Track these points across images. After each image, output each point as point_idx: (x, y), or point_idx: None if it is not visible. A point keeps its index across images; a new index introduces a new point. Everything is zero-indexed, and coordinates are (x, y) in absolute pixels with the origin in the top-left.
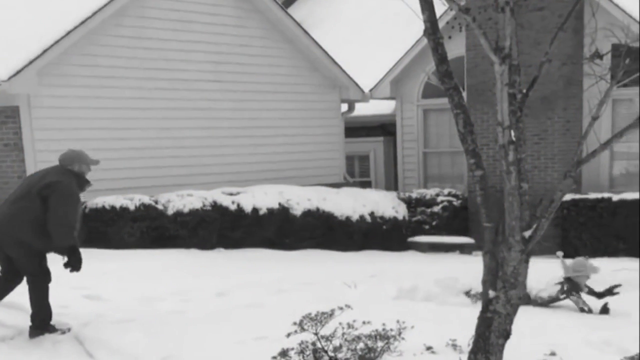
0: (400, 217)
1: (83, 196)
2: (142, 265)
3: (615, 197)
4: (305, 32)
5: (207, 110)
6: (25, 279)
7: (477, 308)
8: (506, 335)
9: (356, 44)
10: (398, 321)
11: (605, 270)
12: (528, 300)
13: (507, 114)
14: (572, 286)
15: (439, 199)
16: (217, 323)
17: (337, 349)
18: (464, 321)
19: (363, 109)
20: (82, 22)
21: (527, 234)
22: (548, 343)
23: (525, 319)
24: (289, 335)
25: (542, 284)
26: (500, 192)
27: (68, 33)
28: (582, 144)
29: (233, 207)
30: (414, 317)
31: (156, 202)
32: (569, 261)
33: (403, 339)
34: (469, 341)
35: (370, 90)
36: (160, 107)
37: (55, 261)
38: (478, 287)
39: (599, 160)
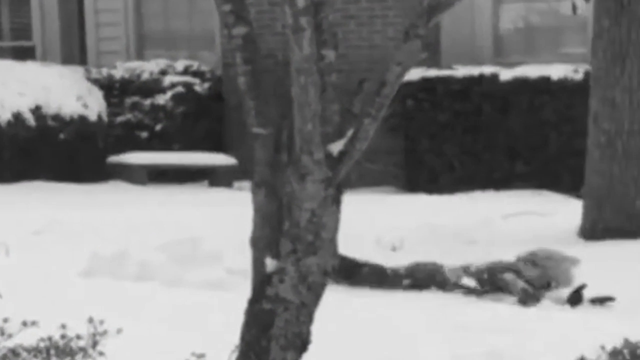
0: (93, 116)
1: None
2: None
3: (506, 74)
4: None
5: None
6: None
7: (243, 293)
8: (301, 343)
9: None
10: (92, 320)
11: (494, 214)
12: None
13: None
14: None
15: (168, 80)
16: None
17: None
18: (220, 318)
19: None
20: None
21: (335, 147)
22: None
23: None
24: None
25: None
26: (284, 66)
27: None
28: None
29: None
30: (122, 311)
31: None
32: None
33: (102, 354)
34: (229, 355)
35: None
36: None
37: None
38: (244, 252)
39: (472, 4)
